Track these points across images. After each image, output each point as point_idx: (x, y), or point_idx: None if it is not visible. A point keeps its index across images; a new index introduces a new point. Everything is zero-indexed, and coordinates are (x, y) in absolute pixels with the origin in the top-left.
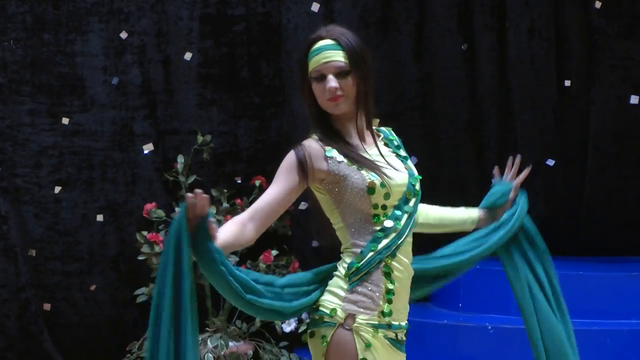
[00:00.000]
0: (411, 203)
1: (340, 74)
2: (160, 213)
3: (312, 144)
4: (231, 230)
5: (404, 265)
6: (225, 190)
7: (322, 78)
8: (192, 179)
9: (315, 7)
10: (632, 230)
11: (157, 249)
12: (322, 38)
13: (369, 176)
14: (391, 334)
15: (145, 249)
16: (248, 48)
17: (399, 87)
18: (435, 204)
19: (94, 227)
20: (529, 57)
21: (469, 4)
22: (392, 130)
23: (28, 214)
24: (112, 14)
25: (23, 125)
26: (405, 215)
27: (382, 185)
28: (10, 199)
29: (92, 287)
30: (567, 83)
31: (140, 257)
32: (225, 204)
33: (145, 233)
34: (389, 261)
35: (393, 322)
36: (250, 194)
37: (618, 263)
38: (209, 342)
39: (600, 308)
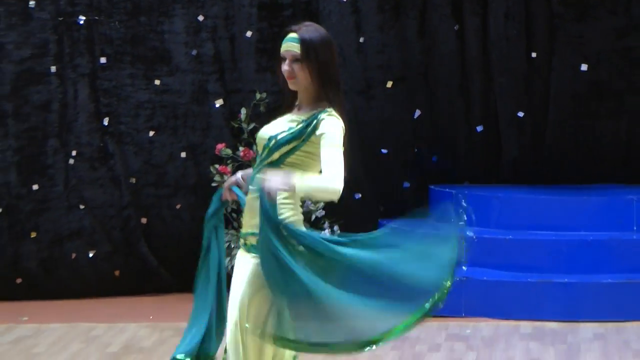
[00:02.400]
0: (264, 154)
1: (295, 61)
2: (228, 151)
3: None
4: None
5: (252, 192)
6: None
7: (284, 60)
8: (251, 126)
9: None
10: (583, 164)
11: (225, 178)
12: (292, 31)
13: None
14: (241, 240)
15: (216, 178)
16: None
17: (407, 58)
18: (433, 144)
19: (178, 162)
20: (505, 35)
21: None
22: (335, 109)
23: (129, 152)
24: (192, 2)
25: (125, 86)
26: (258, 160)
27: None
28: (115, 141)
29: (178, 206)
30: (534, 55)
31: (213, 184)
32: None
33: (216, 166)
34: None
35: (241, 231)
36: None
37: (572, 189)
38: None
39: (558, 223)
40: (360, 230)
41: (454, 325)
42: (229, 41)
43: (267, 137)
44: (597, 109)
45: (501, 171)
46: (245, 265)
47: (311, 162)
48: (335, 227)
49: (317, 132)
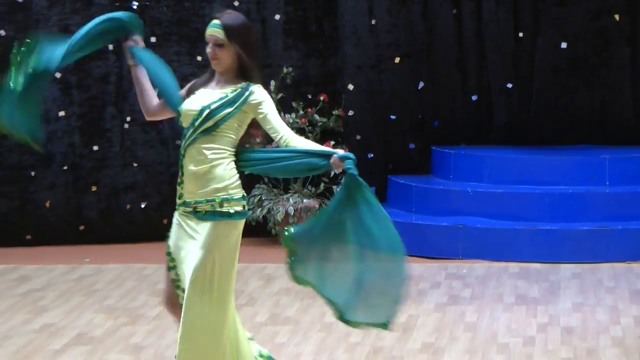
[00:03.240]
0: (197, 123)
1: (217, 44)
2: None
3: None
4: None
5: (193, 162)
6: (301, 103)
7: (208, 44)
8: (279, 95)
9: None
10: (563, 128)
11: (257, 140)
12: (216, 18)
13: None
14: (188, 208)
15: (250, 140)
16: (315, 12)
17: (412, 38)
18: (435, 111)
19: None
20: (496, 18)
21: None
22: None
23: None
24: None
25: (171, 61)
26: (190, 131)
27: (180, 110)
28: None
29: None
30: (521, 35)
31: (247, 146)
32: (300, 112)
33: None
34: (180, 162)
35: (186, 200)
36: (317, 105)
37: (553, 149)
38: (290, 199)
39: (542, 179)
40: (372, 184)
41: (452, 266)
42: (260, 23)
43: (198, 108)
44: (575, 81)
45: (493, 134)
46: (197, 232)
47: (239, 129)
48: None
49: (252, 101)
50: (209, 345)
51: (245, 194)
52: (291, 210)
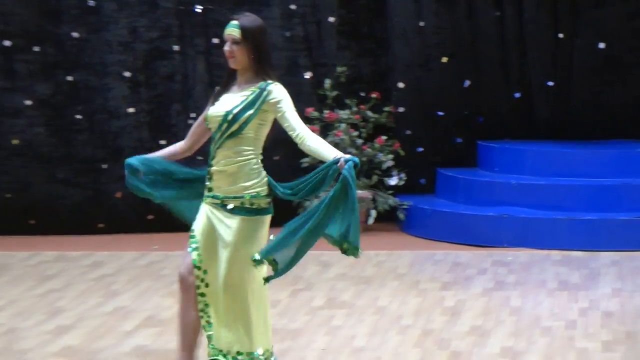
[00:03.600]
0: (223, 127)
1: (234, 43)
2: (315, 114)
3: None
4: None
5: (221, 163)
6: (354, 100)
7: (225, 43)
8: (334, 93)
9: None
10: (600, 123)
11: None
12: (234, 19)
13: (208, 109)
14: (216, 200)
15: None
16: (367, 14)
17: (458, 38)
18: (480, 108)
19: (275, 121)
20: (536, 20)
21: None
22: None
23: None
24: None
25: None
26: (218, 135)
27: (207, 115)
28: None
29: (276, 158)
30: (560, 35)
31: None
32: (354, 108)
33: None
34: (210, 161)
35: (216, 194)
36: (369, 102)
37: (591, 144)
38: None
39: (581, 171)
40: (421, 176)
41: (497, 253)
42: (315, 25)
43: (222, 113)
44: (611, 78)
45: (534, 129)
46: (226, 225)
47: (263, 129)
48: (402, 174)
49: (270, 99)
50: (240, 330)
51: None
52: None
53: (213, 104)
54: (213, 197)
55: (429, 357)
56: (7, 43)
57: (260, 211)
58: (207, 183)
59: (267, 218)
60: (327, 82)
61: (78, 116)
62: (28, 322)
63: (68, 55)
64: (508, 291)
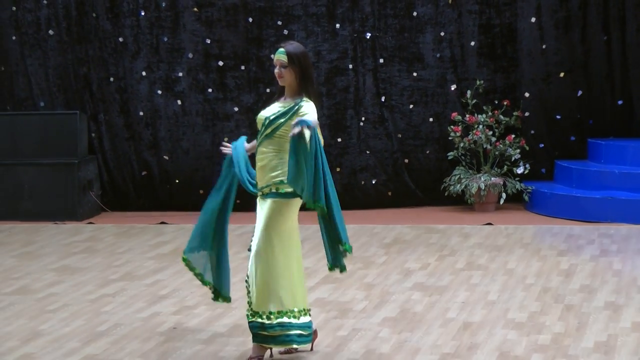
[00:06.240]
0: (262, 129)
1: (282, 66)
2: (459, 117)
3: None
4: None
5: (260, 158)
6: (490, 106)
7: (275, 66)
8: (474, 101)
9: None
10: None
11: (457, 134)
12: (281, 47)
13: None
14: (259, 192)
15: (452, 134)
16: (501, 39)
17: (574, 58)
18: (590, 112)
19: (428, 123)
20: (637, 41)
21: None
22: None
23: (397, 117)
24: (437, 23)
25: (394, 77)
26: (260, 135)
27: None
28: (389, 111)
29: (427, 152)
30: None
31: (449, 138)
32: (489, 113)
33: (452, 127)
34: (256, 154)
35: (259, 186)
36: (501, 108)
37: None
38: (482, 177)
39: None
40: (543, 167)
41: (603, 227)
42: (459, 48)
43: (264, 117)
44: None
45: (633, 129)
46: (263, 207)
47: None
48: (527, 165)
49: (300, 112)
50: (275, 290)
51: None
52: (482, 185)
53: (264, 109)
54: (259, 189)
55: (548, 309)
56: (220, 63)
57: (284, 195)
58: (255, 181)
59: (292, 201)
60: (469, 93)
61: None
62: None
63: (267, 72)
64: (611, 257)
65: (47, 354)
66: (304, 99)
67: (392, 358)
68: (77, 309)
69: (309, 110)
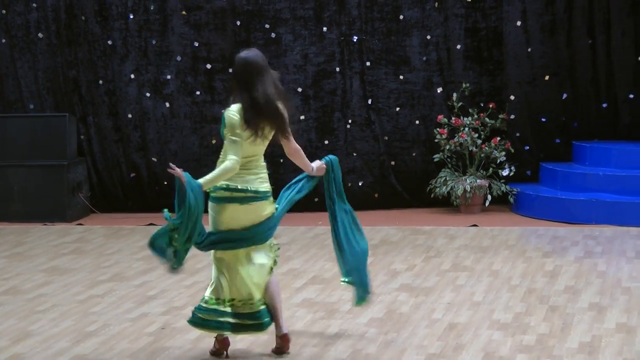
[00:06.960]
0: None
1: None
2: (445, 120)
3: None
4: None
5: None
6: (476, 109)
7: None
8: (460, 104)
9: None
10: None
11: (443, 136)
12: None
13: None
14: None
15: (438, 136)
16: (486, 43)
17: (559, 61)
18: (575, 115)
19: (414, 126)
20: (621, 45)
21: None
22: None
23: (384, 120)
24: (423, 27)
25: (381, 79)
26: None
27: None
28: (375, 113)
29: (414, 154)
30: None
31: (435, 140)
32: (475, 115)
33: (438, 129)
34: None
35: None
36: (487, 111)
37: None
38: (467, 179)
39: None
40: (528, 169)
41: (587, 229)
42: (446, 51)
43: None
44: None
45: (618, 132)
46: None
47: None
48: (512, 167)
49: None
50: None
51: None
52: (468, 187)
53: None
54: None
55: (533, 310)
56: (208, 66)
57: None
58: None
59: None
60: (455, 96)
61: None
62: None
63: None
64: (595, 259)
65: (37, 354)
66: (230, 106)
67: (378, 358)
68: (67, 309)
69: (225, 120)
